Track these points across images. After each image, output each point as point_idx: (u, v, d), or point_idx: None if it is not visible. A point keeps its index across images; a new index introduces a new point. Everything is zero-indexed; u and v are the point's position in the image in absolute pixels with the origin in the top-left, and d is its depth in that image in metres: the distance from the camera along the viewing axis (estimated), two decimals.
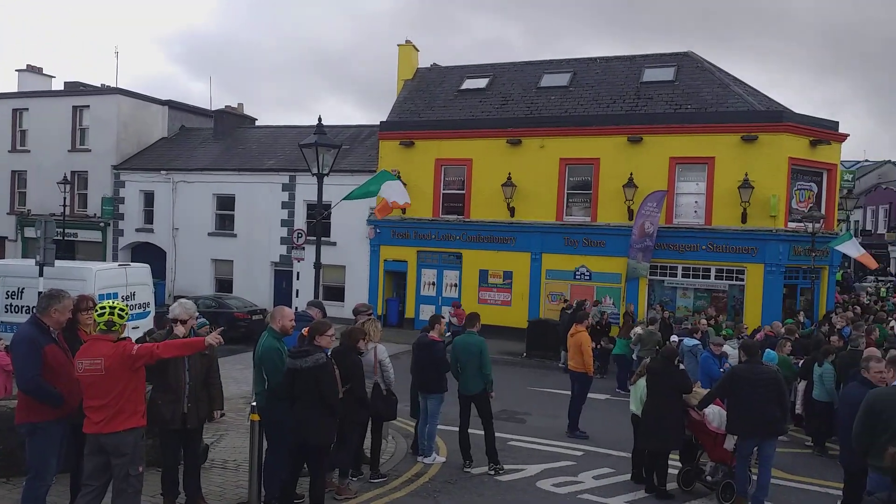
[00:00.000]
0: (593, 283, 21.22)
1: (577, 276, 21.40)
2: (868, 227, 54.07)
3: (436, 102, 24.36)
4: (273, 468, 6.79)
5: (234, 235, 26.09)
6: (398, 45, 26.00)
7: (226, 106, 30.65)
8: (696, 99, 20.96)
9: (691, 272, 20.45)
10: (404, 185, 20.27)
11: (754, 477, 7.79)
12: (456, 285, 22.85)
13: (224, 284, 26.24)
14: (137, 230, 27.77)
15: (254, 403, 6.80)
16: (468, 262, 22.51)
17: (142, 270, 16.03)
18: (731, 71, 28.66)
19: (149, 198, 27.69)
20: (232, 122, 29.68)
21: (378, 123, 24.34)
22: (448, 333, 19.49)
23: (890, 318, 18.56)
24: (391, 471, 8.50)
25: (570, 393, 11.19)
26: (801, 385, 11.39)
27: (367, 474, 8.15)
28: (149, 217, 27.69)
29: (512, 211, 21.77)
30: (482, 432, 8.76)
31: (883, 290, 35.07)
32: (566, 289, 21.45)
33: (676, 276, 20.69)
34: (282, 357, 6.60)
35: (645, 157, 20.36)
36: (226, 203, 26.46)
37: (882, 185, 56.08)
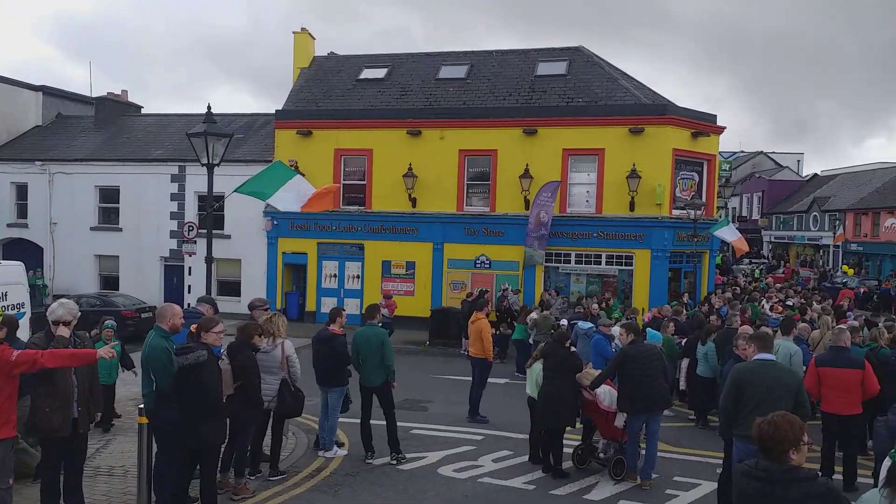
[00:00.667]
0: (493, 272, 21.66)
1: (477, 265, 21.77)
2: (744, 214, 58.23)
3: (334, 92, 23.98)
4: (163, 472, 6.50)
5: (120, 229, 24.66)
6: (294, 33, 25.36)
7: (108, 93, 28.79)
8: (586, 92, 21.75)
9: (584, 259, 21.28)
10: (303, 175, 19.88)
11: (643, 451, 8.24)
12: (358, 277, 22.68)
13: (110, 282, 24.77)
14: (9, 225, 25.68)
15: (141, 406, 6.48)
16: (370, 253, 22.38)
17: (14, 268, 14.82)
18: (622, 65, 29.93)
19: (21, 190, 25.64)
20: (115, 109, 27.93)
21: (274, 112, 23.66)
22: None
23: (762, 298, 20.10)
24: (291, 467, 8.36)
25: (471, 379, 11.39)
26: (685, 363, 12.12)
27: (265, 472, 7.97)
28: (22, 211, 25.66)
29: (414, 202, 21.81)
30: (384, 423, 8.76)
31: (757, 271, 37.90)
32: (467, 277, 21.79)
33: (570, 263, 21.46)
34: (170, 356, 6.31)
35: (540, 148, 20.94)
36: (110, 195, 24.94)
37: (756, 174, 60.54)
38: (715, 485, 7.28)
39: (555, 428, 8.37)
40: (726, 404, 6.36)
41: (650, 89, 22.70)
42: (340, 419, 9.06)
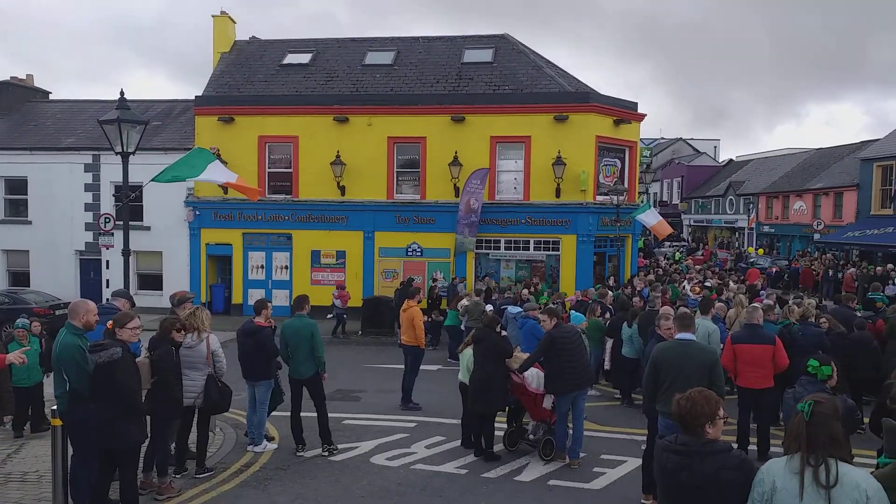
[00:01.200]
0: (425, 259, 21.68)
1: (409, 253, 21.74)
2: (664, 199, 60.38)
3: (256, 77, 23.32)
4: (80, 475, 6.21)
5: (29, 222, 23.34)
6: (213, 17, 24.49)
7: (11, 77, 27.07)
8: (512, 80, 21.96)
9: (513, 245, 21.59)
10: (224, 163, 19.30)
11: (571, 431, 8.45)
12: (287, 267, 22.25)
13: (20, 278, 23.44)
14: None
15: (54, 408, 6.15)
16: (299, 242, 21.98)
17: None
18: (546, 53, 30.33)
19: None
20: (19, 95, 26.35)
21: (193, 98, 22.82)
22: (331, 315, 19.09)
23: (682, 279, 20.91)
24: (219, 464, 8.14)
25: (403, 367, 11.39)
26: (610, 343, 12.49)
27: (192, 470, 7.73)
28: None
29: (343, 190, 21.54)
30: (315, 415, 8.65)
31: (677, 254, 39.38)
32: (399, 266, 21.73)
33: (500, 249, 21.73)
34: (84, 355, 6.00)
35: (468, 135, 21.04)
36: (16, 186, 23.55)
37: (675, 160, 62.80)
38: (640, 461, 7.54)
39: (486, 412, 8.47)
40: (648, 382, 6.62)
41: (574, 77, 23.14)
42: (270, 413, 8.89)
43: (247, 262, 22.33)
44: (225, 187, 20.79)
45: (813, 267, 29.27)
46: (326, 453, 8.56)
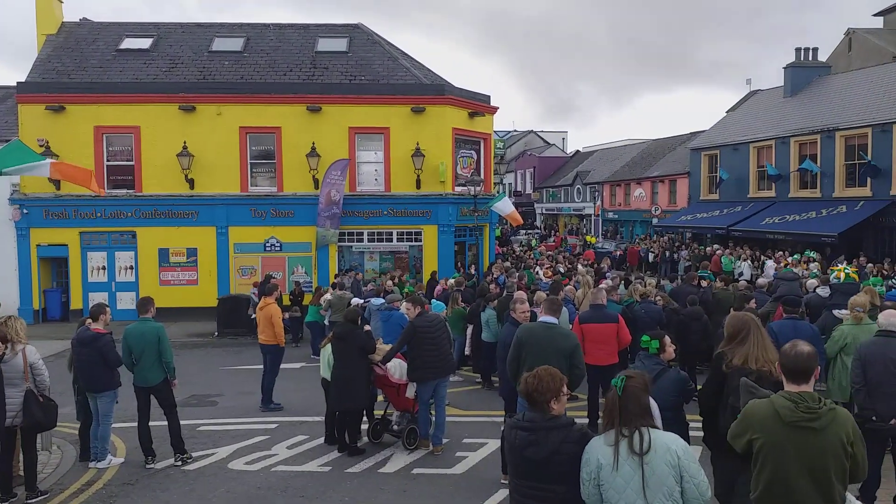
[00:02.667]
0: (285, 254, 21.06)
1: (267, 248, 21.01)
2: (519, 189, 62.83)
3: (90, 63, 21.43)
4: None
5: None
6: None
7: None
8: (368, 71, 21.81)
9: (376, 236, 21.54)
10: (56, 157, 17.63)
11: (434, 419, 8.57)
12: (132, 267, 20.72)
13: None
14: None
15: None
16: (144, 240, 20.53)
17: None
18: (400, 45, 30.38)
19: None
20: None
21: (16, 84, 20.57)
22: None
23: (535, 265, 21.89)
24: (55, 485, 7.44)
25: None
26: (469, 329, 12.81)
27: (22, 495, 7.00)
28: None
29: (192, 183, 20.37)
30: (166, 423, 8.14)
31: (533, 241, 41.13)
32: (257, 262, 20.95)
33: (363, 241, 21.60)
34: None
35: (325, 126, 20.66)
36: None
37: (527, 151, 65.44)
38: (499, 442, 7.78)
39: (350, 410, 8.38)
40: (512, 362, 6.81)
41: (429, 69, 23.39)
42: (114, 424, 8.24)
43: (86, 264, 20.54)
44: (57, 181, 19.01)
45: (652, 248, 31.71)
46: (179, 463, 8.08)
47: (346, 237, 21.39)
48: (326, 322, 14.78)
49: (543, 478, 3.66)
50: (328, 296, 15.17)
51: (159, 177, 20.37)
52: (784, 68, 32.08)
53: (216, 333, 18.14)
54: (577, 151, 62.12)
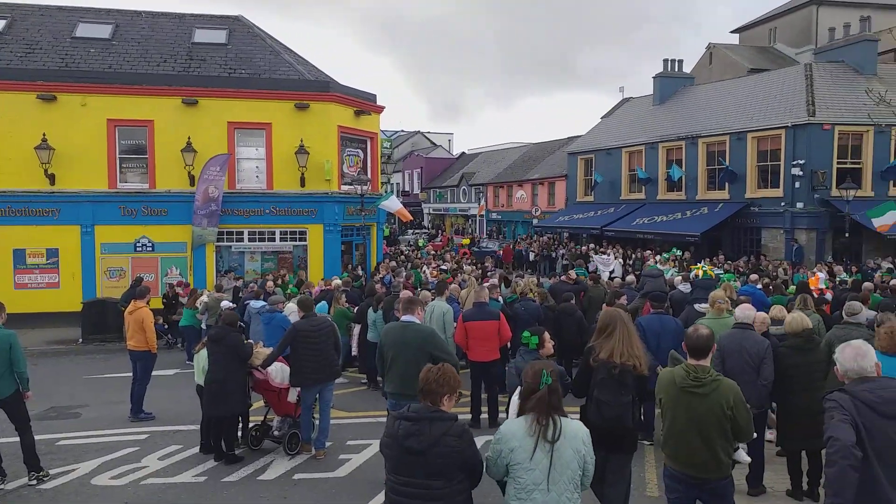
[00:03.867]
0: (157, 255, 19.91)
1: (138, 248, 19.77)
2: (406, 189, 63.06)
3: None
4: None
5: None
6: None
7: None
8: (249, 64, 21.09)
9: (257, 236, 20.85)
10: None
11: (318, 422, 8.40)
12: None
13: None
14: None
15: None
16: None
17: None
18: (284, 40, 29.61)
19: None
20: None
21: None
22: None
23: (422, 264, 22.04)
24: None
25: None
26: (356, 329, 12.69)
27: None
28: None
29: (52, 178, 18.81)
30: (18, 439, 7.45)
31: (420, 240, 41.41)
32: (127, 263, 19.67)
33: (243, 241, 20.83)
34: None
35: (202, 120, 19.75)
36: None
37: (415, 152, 65.81)
38: None
39: (226, 416, 8.04)
40: (378, 362, 6.92)
41: (313, 65, 22.97)
42: None
43: None
44: None
45: (532, 248, 32.80)
46: (35, 482, 7.42)
47: (225, 236, 20.55)
48: (203, 326, 14.14)
49: (420, 472, 3.71)
50: (204, 298, 14.52)
51: (14, 171, 18.64)
52: (653, 78, 34.23)
53: (81, 340, 16.85)
54: (463, 153, 63.24)
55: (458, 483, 3.73)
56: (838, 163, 23.16)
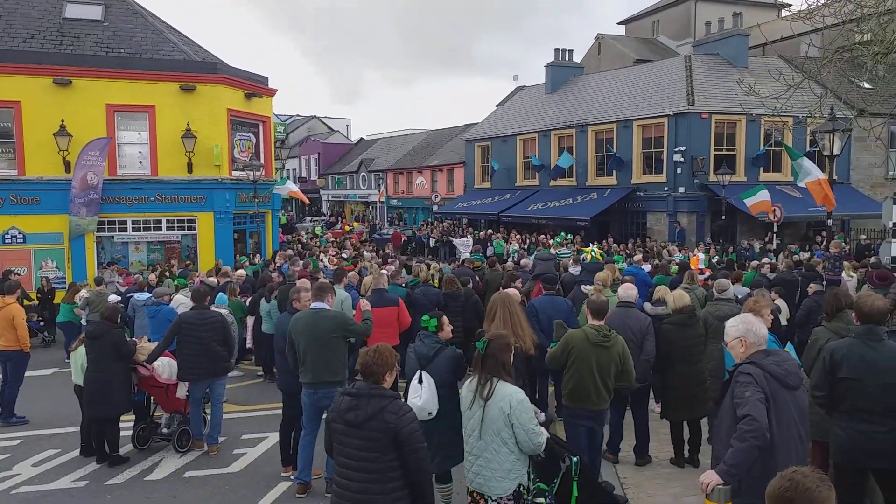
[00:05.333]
0: (29, 247, 18.43)
1: (6, 241, 18.21)
2: (303, 175, 61.70)
3: None
4: None
5: None
6: None
7: None
8: (129, 43, 19.83)
9: (142, 225, 19.73)
10: None
11: (209, 418, 8.09)
12: None
13: None
14: None
15: None
16: None
17: None
18: (168, 19, 28.08)
19: None
20: None
21: None
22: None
23: (320, 252, 21.67)
24: None
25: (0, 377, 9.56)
26: (250, 321, 12.31)
27: None
28: None
29: None
30: None
31: (318, 228, 40.67)
32: None
33: (126, 231, 19.66)
34: None
35: (78, 102, 18.38)
36: None
37: (311, 137, 64.46)
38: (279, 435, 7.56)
39: (107, 417, 7.58)
40: (288, 351, 6.63)
41: (199, 46, 21.93)
42: None
43: None
44: None
45: (433, 234, 33.01)
46: None
47: (107, 226, 19.31)
48: (84, 321, 13.26)
49: (358, 444, 3.94)
50: (84, 292, 13.60)
51: None
52: (545, 67, 35.15)
53: None
54: (362, 139, 62.54)
55: (391, 460, 3.90)
56: (715, 150, 24.75)
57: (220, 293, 12.35)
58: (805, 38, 22.93)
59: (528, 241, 26.48)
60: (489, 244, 25.99)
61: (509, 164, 33.42)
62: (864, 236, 23.34)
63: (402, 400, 4.12)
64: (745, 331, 4.06)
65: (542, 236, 26.22)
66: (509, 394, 4.38)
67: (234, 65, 21.52)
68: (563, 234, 25.18)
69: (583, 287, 9.89)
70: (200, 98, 19.62)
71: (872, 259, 14.15)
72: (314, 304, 6.79)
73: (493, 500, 4.41)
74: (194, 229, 20.17)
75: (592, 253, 13.65)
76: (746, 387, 3.82)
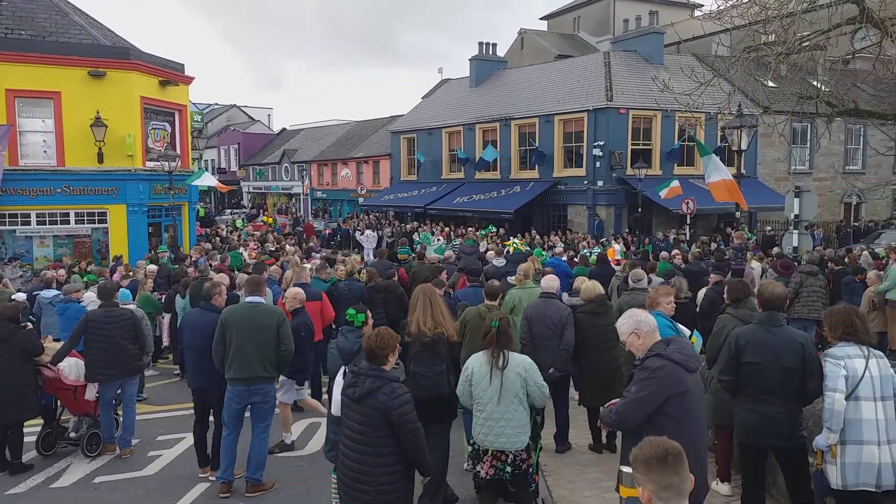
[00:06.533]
0: None
1: None
2: (223, 166, 59.82)
3: None
4: None
5: None
6: None
7: None
8: (31, 25, 18.66)
9: (47, 218, 18.67)
10: None
11: (121, 419, 7.74)
12: None
13: None
14: None
15: None
16: None
17: None
18: (83, 3, 26.59)
19: None
20: None
21: None
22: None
23: (240, 246, 21.10)
24: None
25: None
26: (167, 318, 11.86)
27: None
28: None
29: None
30: None
31: (239, 221, 39.58)
32: None
33: (30, 224, 18.57)
34: None
35: None
36: None
37: (231, 127, 62.56)
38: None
39: (12, 423, 7.13)
40: (216, 346, 6.37)
41: (110, 30, 20.90)
42: None
43: None
44: None
45: (359, 227, 32.69)
46: None
47: (8, 219, 18.18)
48: None
49: (357, 418, 4.29)
50: None
51: None
52: (470, 60, 35.34)
53: None
54: (284, 129, 61.18)
55: (384, 436, 4.22)
56: (632, 144, 25.58)
57: (125, 289, 11.83)
58: (715, 38, 24.01)
59: (452, 234, 26.66)
60: (415, 237, 25.98)
61: (435, 157, 33.49)
62: (769, 228, 24.72)
63: (399, 382, 4.38)
64: (636, 324, 4.22)
65: (471, 228, 26.44)
66: (520, 360, 5.21)
67: (148, 51, 20.60)
68: (490, 226, 25.46)
69: (509, 278, 10.04)
70: (111, 85, 18.70)
71: (776, 249, 15.02)
72: (249, 298, 6.59)
73: (512, 454, 5.16)
74: (106, 222, 19.26)
75: (514, 245, 13.87)
76: (637, 383, 4.00)
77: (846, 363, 4.32)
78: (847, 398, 4.28)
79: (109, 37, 20.09)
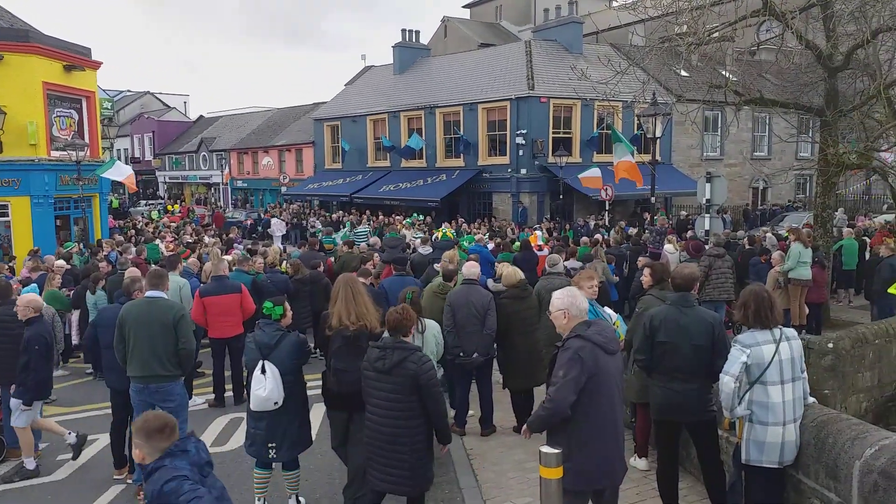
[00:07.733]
0: None
1: None
2: (137, 155, 57.26)
3: None
4: None
5: None
6: None
7: None
8: None
9: None
10: None
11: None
12: None
13: None
14: None
15: None
16: None
17: None
18: None
19: None
20: None
21: None
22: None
23: (157, 238, 20.27)
24: None
25: None
26: (76, 315, 11.31)
27: None
28: None
29: None
30: None
31: (155, 212, 38.07)
32: None
33: None
34: None
35: None
36: None
37: (145, 114, 59.88)
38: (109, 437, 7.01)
39: None
40: (117, 345, 6.12)
41: (7, 11, 19.55)
42: None
43: None
44: None
45: (282, 217, 32.03)
46: None
47: None
48: None
49: (386, 388, 4.70)
50: None
51: None
52: (393, 47, 35.07)
53: None
54: (202, 116, 59.08)
55: (413, 402, 4.67)
56: (553, 132, 26.07)
57: (33, 284, 11.20)
58: (631, 28, 24.69)
59: (378, 221, 26.50)
60: (340, 226, 25.68)
61: (360, 145, 33.14)
62: (683, 212, 25.76)
63: (422, 351, 4.92)
64: (570, 304, 4.31)
65: (399, 217, 26.33)
66: (433, 325, 6.43)
67: (51, 34, 19.40)
68: (415, 214, 25.43)
69: (435, 266, 10.07)
70: (10, 69, 17.54)
71: (689, 233, 15.68)
72: (149, 293, 6.32)
73: None
74: (7, 216, 18.12)
75: (444, 231, 13.94)
76: (564, 366, 4.08)
77: (752, 351, 4.44)
78: (754, 383, 4.46)
79: (6, 18, 18.81)
